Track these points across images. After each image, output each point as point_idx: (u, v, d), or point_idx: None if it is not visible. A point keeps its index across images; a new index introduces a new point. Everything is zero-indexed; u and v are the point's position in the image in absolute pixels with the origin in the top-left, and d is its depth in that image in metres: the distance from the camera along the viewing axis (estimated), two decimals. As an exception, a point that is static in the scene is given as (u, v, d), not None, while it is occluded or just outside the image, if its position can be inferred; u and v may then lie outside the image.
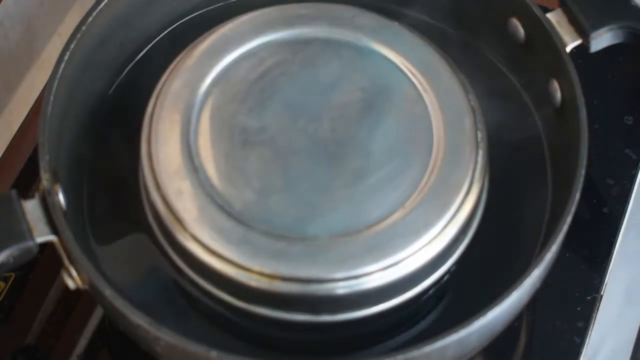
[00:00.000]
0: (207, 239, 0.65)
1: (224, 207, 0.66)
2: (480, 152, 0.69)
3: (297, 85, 0.71)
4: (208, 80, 0.71)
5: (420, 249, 0.65)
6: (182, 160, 0.67)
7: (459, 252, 0.69)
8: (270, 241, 0.65)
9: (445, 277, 0.69)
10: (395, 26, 0.74)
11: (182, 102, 0.70)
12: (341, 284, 0.64)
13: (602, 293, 0.77)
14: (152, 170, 0.67)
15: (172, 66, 0.72)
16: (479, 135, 0.69)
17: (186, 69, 0.71)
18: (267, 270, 0.64)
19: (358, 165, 0.68)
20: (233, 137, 0.69)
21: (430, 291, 0.69)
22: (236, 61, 0.72)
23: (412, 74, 0.71)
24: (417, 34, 0.74)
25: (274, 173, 0.67)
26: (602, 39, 0.74)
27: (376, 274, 0.65)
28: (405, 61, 0.72)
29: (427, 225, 0.66)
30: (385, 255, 0.65)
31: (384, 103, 0.70)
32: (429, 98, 0.70)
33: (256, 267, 0.64)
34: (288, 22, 0.73)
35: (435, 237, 0.66)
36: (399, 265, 0.65)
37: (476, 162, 0.69)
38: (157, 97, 0.70)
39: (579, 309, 0.76)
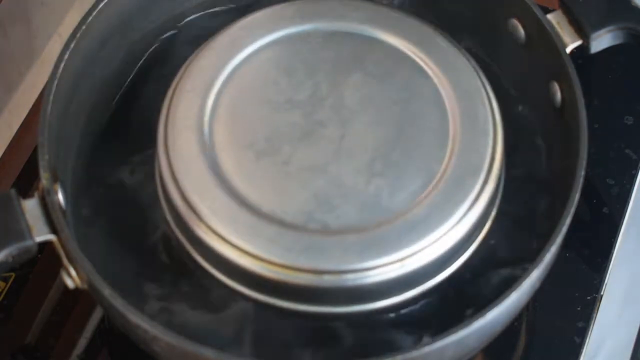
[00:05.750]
0: (223, 230, 0.65)
1: (240, 198, 0.66)
2: (498, 147, 0.69)
3: (314, 78, 0.71)
4: (225, 73, 0.71)
5: (434, 241, 0.65)
6: (199, 152, 0.68)
7: (473, 247, 0.68)
8: (286, 232, 0.65)
9: (458, 273, 0.69)
10: (415, 22, 0.74)
11: (199, 96, 0.70)
12: (355, 275, 0.64)
13: (602, 293, 0.77)
14: (169, 162, 0.68)
15: (188, 61, 0.72)
16: (497, 127, 0.70)
17: (202, 64, 0.71)
18: (281, 261, 0.64)
19: (373, 158, 0.68)
20: (250, 130, 0.69)
21: (443, 287, 0.69)
22: (253, 54, 0.72)
23: (431, 69, 0.71)
24: (440, 32, 0.74)
25: (290, 165, 0.68)
26: (603, 40, 0.74)
27: (390, 266, 0.65)
28: (425, 57, 0.72)
29: (443, 218, 0.66)
30: (399, 247, 0.65)
31: (402, 96, 0.70)
32: (446, 92, 0.70)
33: (271, 258, 0.64)
34: (307, 17, 0.73)
35: (451, 229, 0.66)
36: (413, 258, 0.65)
37: (493, 157, 0.69)
38: (174, 91, 0.71)
39: (579, 309, 0.76)
